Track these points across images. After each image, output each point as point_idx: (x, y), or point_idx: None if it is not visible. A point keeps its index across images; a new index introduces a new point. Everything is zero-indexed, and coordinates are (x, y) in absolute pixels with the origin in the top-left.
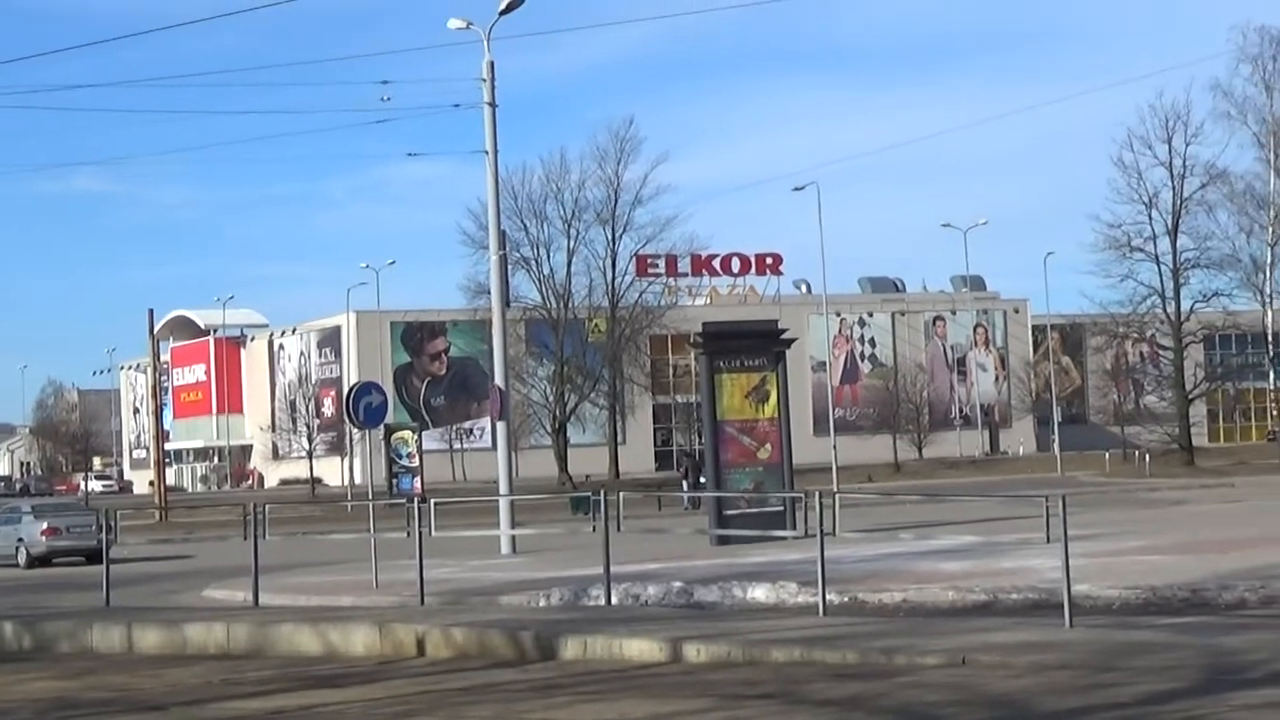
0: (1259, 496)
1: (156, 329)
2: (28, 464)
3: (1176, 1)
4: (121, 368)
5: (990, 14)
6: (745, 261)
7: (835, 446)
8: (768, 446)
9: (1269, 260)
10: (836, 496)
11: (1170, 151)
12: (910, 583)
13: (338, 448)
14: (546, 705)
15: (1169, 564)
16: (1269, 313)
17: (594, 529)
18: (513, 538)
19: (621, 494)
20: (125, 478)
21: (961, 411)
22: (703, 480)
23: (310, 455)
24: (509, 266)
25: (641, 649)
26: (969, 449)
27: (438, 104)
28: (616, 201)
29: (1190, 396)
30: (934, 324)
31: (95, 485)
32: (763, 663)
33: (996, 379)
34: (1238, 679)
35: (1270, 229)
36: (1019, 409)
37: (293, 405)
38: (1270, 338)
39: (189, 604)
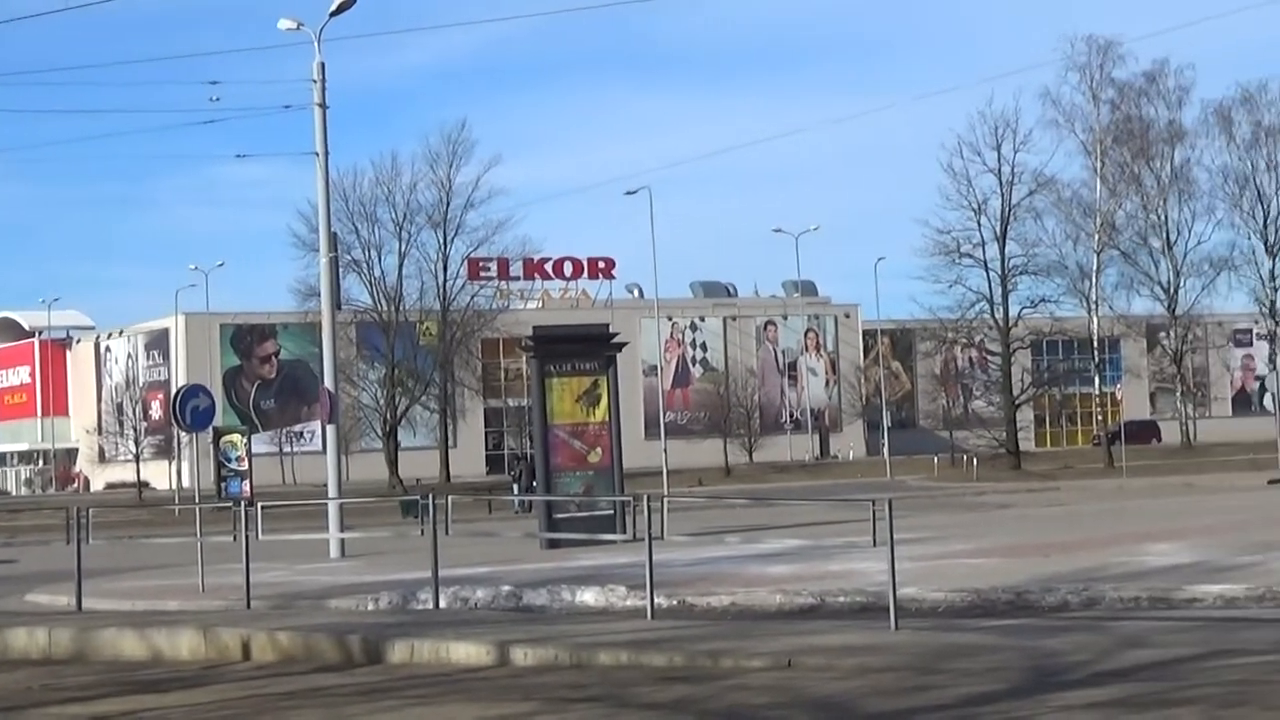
0: (1084, 500)
1: None
2: None
3: (1006, 10)
4: None
5: (823, 20)
6: (578, 265)
7: (666, 450)
8: (598, 450)
9: (1095, 267)
10: (665, 500)
11: (999, 159)
12: (738, 586)
13: (166, 451)
14: (372, 709)
15: (994, 567)
16: (1095, 319)
17: (423, 532)
18: (342, 541)
19: (451, 497)
20: None
21: (792, 416)
22: (533, 484)
23: (138, 459)
24: (340, 269)
25: (469, 652)
26: (799, 453)
27: (268, 105)
28: (448, 204)
29: (1017, 401)
30: (765, 329)
31: None
32: (590, 666)
33: (827, 383)
34: (1059, 680)
35: (1097, 236)
36: (849, 413)
37: (119, 408)
38: (1096, 343)
39: (11, 609)
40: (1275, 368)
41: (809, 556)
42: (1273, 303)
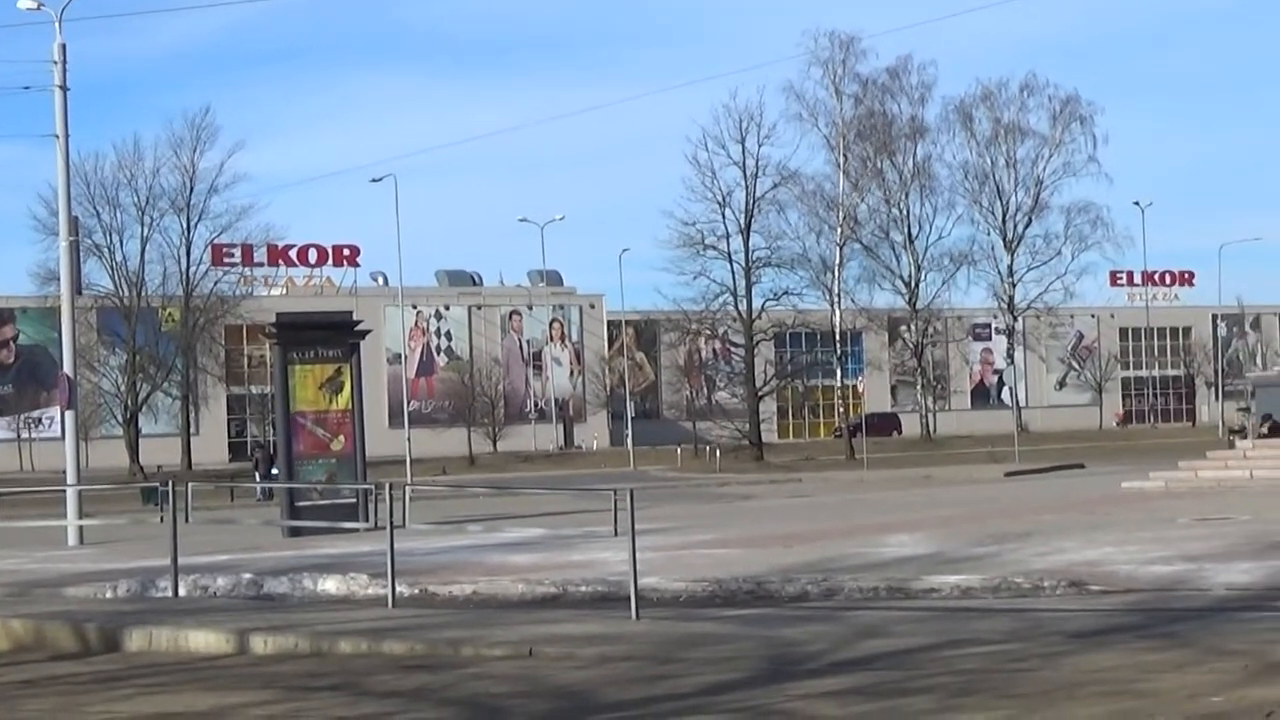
0: (825, 492)
1: None
2: None
3: (753, 5)
4: None
5: (571, 10)
6: (322, 252)
7: (409, 439)
8: (341, 438)
9: (838, 260)
10: (408, 489)
11: (744, 152)
12: (480, 575)
13: None
14: (109, 697)
15: (735, 557)
16: (837, 312)
17: (162, 519)
18: (80, 528)
19: (192, 485)
20: None
21: (537, 405)
22: (275, 471)
23: None
24: (80, 253)
25: (208, 640)
26: (544, 443)
27: (7, 86)
28: (192, 190)
29: (760, 393)
30: (510, 318)
31: None
32: (330, 654)
33: (571, 373)
34: (797, 669)
35: (839, 230)
36: (593, 404)
37: None
38: (838, 336)
39: None
40: (1013, 362)
41: (551, 546)
42: (1011, 298)
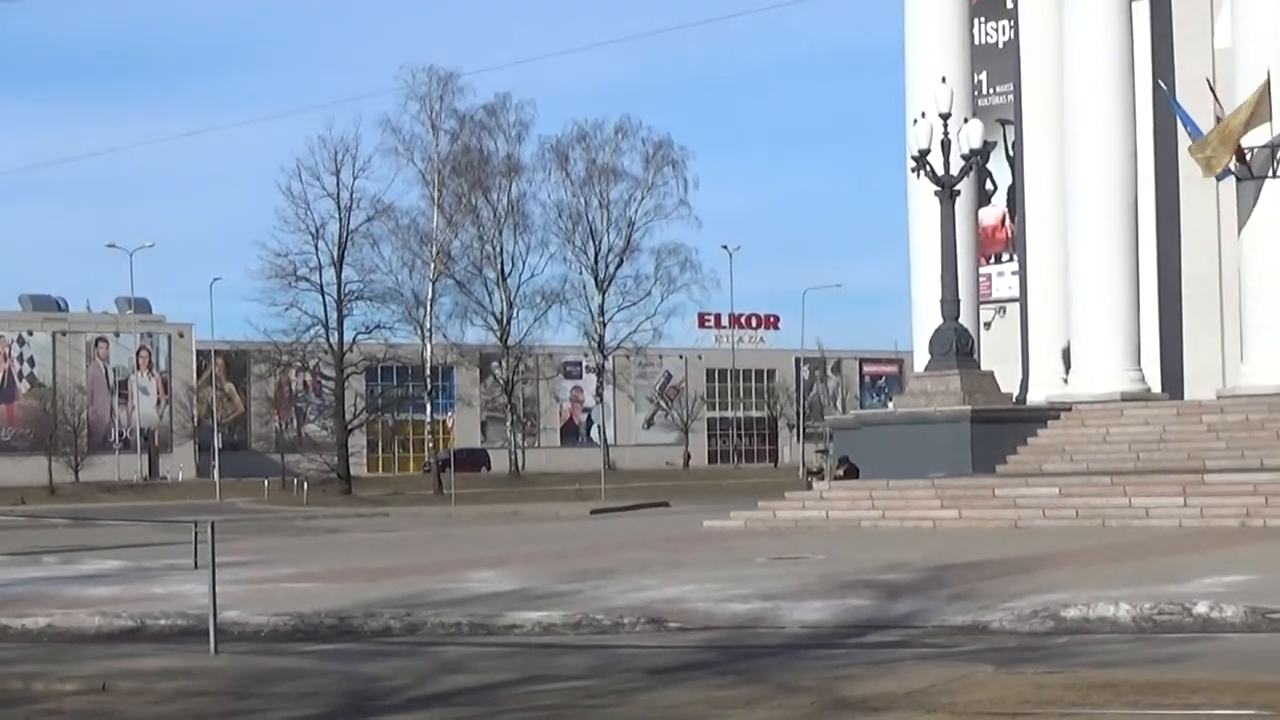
0: (412, 527)
1: None
2: None
3: (352, 38)
4: None
5: (167, 36)
6: None
7: None
8: None
9: (430, 295)
10: None
11: (339, 184)
12: (56, 608)
13: None
14: None
15: (319, 591)
16: (428, 346)
17: None
18: None
19: None
20: None
21: (122, 435)
22: None
23: None
24: None
25: None
26: (128, 473)
27: None
28: None
29: (350, 426)
30: (96, 345)
31: None
32: None
33: (159, 403)
34: (377, 704)
35: (432, 265)
36: (180, 434)
37: None
38: (429, 371)
39: None
40: (602, 400)
41: (131, 578)
42: (601, 337)
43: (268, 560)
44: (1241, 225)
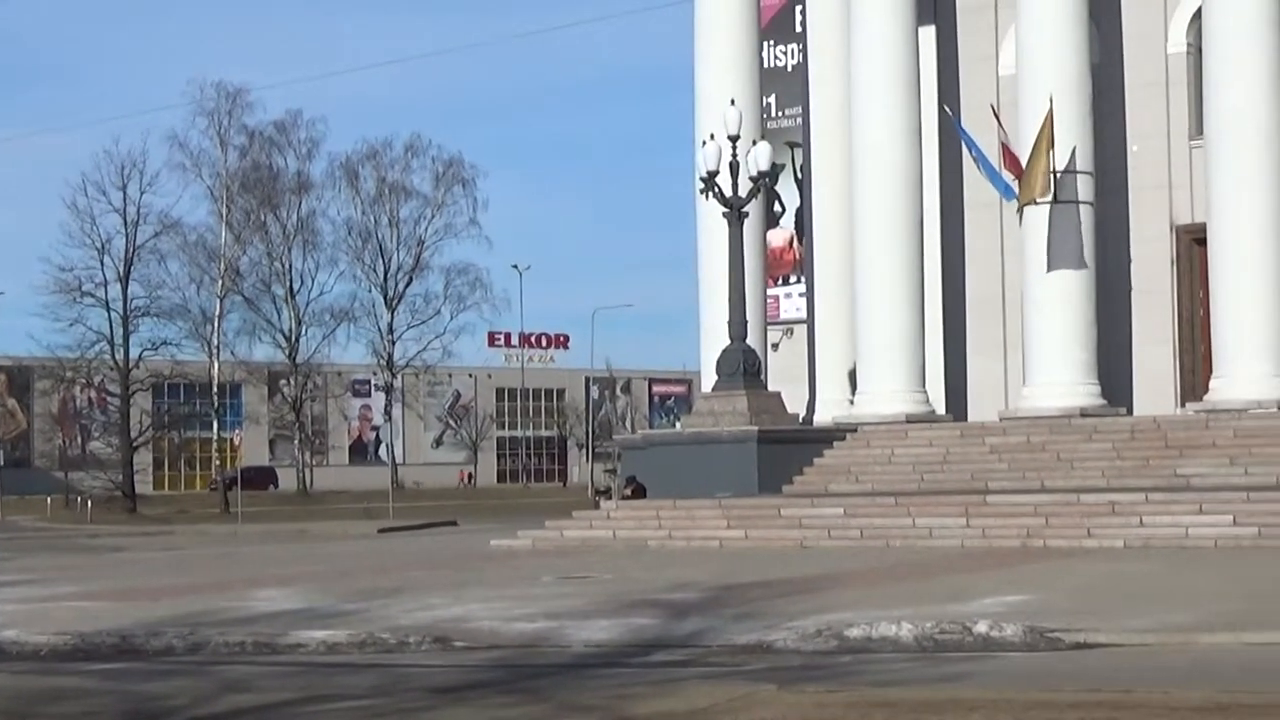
0: (198, 545)
1: None
2: None
3: (140, 50)
4: None
5: None
6: None
7: None
8: None
9: (218, 312)
10: None
11: (125, 199)
12: None
13: None
14: None
15: (101, 610)
16: (216, 363)
17: None
18: None
19: None
20: None
21: None
22: None
23: None
24: None
25: None
26: None
27: None
28: None
29: (135, 444)
30: None
31: None
32: None
33: None
34: None
35: (220, 281)
36: None
37: None
38: (217, 388)
39: None
40: (390, 418)
41: None
42: (390, 355)
43: (49, 579)
44: (1023, 247)
